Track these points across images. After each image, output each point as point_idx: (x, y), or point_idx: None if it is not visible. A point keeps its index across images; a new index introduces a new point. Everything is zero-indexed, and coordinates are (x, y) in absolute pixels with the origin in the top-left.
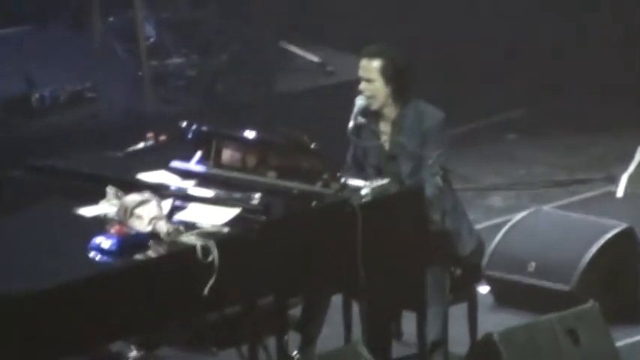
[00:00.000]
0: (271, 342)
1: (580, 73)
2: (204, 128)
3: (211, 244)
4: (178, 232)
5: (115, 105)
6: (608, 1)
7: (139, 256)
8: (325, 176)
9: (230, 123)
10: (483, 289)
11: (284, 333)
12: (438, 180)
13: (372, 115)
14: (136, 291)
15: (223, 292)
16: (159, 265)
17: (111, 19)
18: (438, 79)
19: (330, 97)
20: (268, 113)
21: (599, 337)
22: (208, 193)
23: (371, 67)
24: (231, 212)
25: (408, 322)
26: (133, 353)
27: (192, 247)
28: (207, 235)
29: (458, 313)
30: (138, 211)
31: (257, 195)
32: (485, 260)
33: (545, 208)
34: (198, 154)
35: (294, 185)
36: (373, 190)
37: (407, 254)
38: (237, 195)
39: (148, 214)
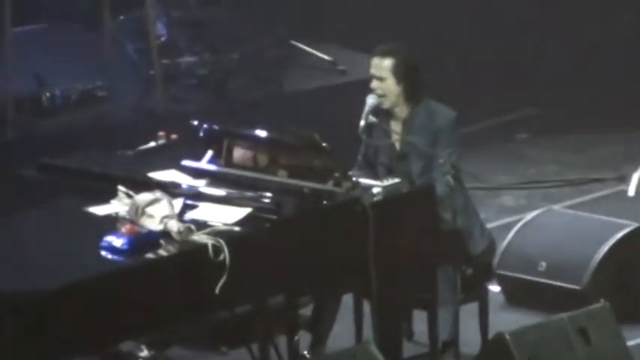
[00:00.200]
0: (282, 341)
1: (591, 72)
2: (216, 127)
3: (222, 243)
4: (189, 231)
5: (126, 104)
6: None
7: (150, 255)
8: (336, 175)
9: (241, 122)
10: (494, 288)
11: (295, 332)
12: (449, 179)
13: (383, 114)
14: (147, 290)
15: (234, 291)
16: (170, 264)
17: (122, 17)
18: (449, 78)
19: (342, 96)
20: (279, 112)
21: (610, 336)
22: (219, 192)
23: (383, 65)
24: (243, 211)
25: (419, 321)
26: (144, 353)
27: (204, 246)
28: (218, 234)
29: (469, 312)
30: (149, 210)
31: (268, 194)
32: (496, 259)
33: (556, 207)
34: (210, 152)
35: (306, 184)
36: (384, 189)
37: (418, 253)
38: (249, 194)
39: (159, 213)
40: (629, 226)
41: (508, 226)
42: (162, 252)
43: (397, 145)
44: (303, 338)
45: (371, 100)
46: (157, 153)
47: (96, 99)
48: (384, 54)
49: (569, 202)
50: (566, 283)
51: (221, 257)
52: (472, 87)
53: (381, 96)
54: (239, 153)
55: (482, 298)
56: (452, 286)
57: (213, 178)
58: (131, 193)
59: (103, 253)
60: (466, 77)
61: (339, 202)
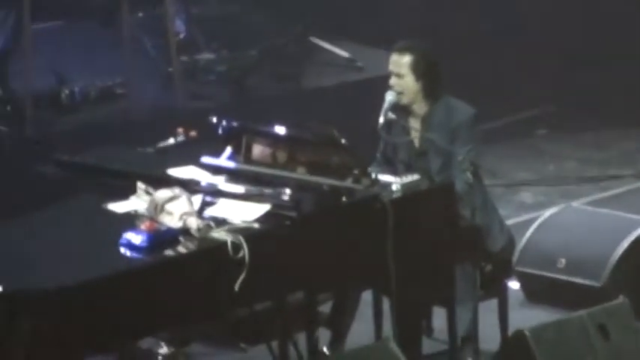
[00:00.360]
0: (301, 338)
1: (610, 69)
2: (235, 124)
3: (242, 239)
4: (209, 228)
5: (145, 101)
6: None
7: (169, 252)
8: (356, 172)
9: (260, 118)
10: (514, 285)
11: (314, 329)
12: (469, 176)
13: (402, 110)
14: (166, 287)
15: (253, 288)
16: (189, 261)
17: (140, 14)
18: (469, 74)
19: (360, 93)
20: (298, 108)
21: (629, 332)
22: (239, 188)
23: (401, 62)
24: (262, 208)
25: (439, 318)
26: (163, 349)
27: (223, 243)
28: (237, 230)
29: (488, 309)
30: (168, 206)
31: (287, 191)
32: (515, 256)
33: (576, 204)
34: (229, 149)
35: (325, 181)
36: (404, 185)
37: (437, 250)
38: (268, 191)
39: (178, 210)
40: None
41: (527, 223)
42: (181, 249)
43: (416, 142)
44: (323, 335)
45: (390, 97)
46: (176, 150)
47: (115, 96)
48: (403, 50)
49: (588, 199)
50: (586, 279)
51: (240, 254)
52: (491, 83)
53: (399, 93)
54: (258, 150)
55: (502, 294)
56: (471, 283)
57: (232, 175)
58: (150, 189)
59: (122, 250)
60: (486, 73)
61: (358, 198)
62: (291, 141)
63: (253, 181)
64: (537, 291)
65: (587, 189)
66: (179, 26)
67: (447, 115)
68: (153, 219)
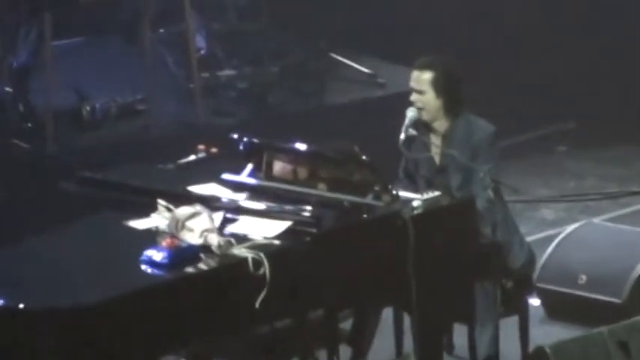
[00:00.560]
0: (322, 355)
1: (630, 86)
2: (256, 140)
3: (263, 256)
4: (230, 245)
5: (166, 117)
6: None
7: (190, 269)
8: (376, 188)
9: (281, 135)
10: (534, 301)
11: (335, 346)
12: (490, 193)
13: (422, 127)
14: (187, 303)
15: (274, 305)
16: (210, 278)
17: (161, 30)
18: (489, 91)
19: (381, 109)
20: (319, 125)
21: None
22: (259, 205)
23: (422, 78)
24: (283, 225)
25: (460, 335)
26: None
27: (244, 260)
28: (258, 247)
29: (509, 325)
30: (189, 223)
31: (308, 207)
32: (536, 273)
33: (596, 220)
34: (250, 166)
35: (346, 197)
36: (424, 202)
37: (458, 267)
38: (289, 207)
39: (199, 227)
40: None
41: (548, 240)
42: (202, 266)
43: (437, 159)
44: (344, 352)
45: (411, 113)
46: (197, 166)
47: (136, 112)
48: (424, 67)
49: (609, 215)
50: (606, 296)
51: (261, 271)
52: (512, 99)
53: (420, 109)
54: (279, 166)
55: (523, 311)
56: (492, 300)
57: (253, 192)
58: (171, 206)
59: (143, 267)
60: (506, 90)
61: (379, 215)
62: (312, 157)
63: (274, 197)
64: (558, 307)
65: (608, 205)
66: (200, 42)
67: (467, 132)
68: (174, 236)
